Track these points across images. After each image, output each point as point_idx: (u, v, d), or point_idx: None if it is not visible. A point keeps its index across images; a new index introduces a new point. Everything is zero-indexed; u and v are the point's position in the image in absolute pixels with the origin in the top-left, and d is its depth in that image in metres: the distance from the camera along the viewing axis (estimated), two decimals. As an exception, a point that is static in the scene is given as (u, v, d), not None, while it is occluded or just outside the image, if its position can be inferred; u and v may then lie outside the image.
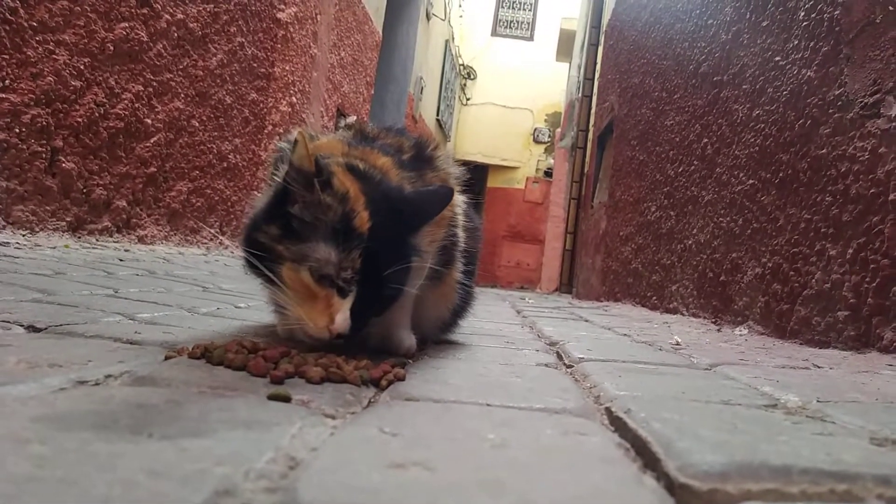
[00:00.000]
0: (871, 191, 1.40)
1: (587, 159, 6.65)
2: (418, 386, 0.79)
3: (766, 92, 2.03)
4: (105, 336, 0.92)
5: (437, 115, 10.30)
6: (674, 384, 0.94)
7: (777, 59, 1.97)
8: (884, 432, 0.64)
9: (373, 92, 6.61)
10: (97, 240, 2.82)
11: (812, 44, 1.75)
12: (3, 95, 2.27)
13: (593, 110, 6.65)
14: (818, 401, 0.88)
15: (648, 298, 3.20)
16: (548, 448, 0.53)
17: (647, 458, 0.52)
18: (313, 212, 0.86)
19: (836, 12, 1.63)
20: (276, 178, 1.12)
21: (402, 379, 0.81)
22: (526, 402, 0.73)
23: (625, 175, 4.20)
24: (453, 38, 10.95)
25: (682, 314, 2.62)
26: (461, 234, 1.17)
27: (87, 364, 0.72)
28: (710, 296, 2.35)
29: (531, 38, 12.85)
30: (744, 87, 2.23)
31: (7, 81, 2.27)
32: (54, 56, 2.44)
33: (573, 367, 1.13)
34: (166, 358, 0.81)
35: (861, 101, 1.48)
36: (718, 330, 2.09)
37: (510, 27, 12.92)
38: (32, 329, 0.94)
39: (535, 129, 12.40)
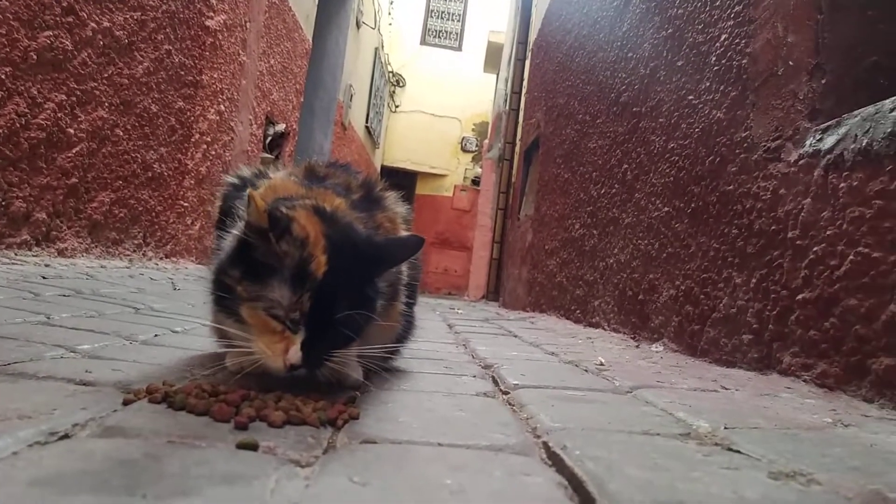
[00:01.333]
0: (773, 227, 1.56)
1: (514, 172, 6.83)
2: (372, 425, 0.85)
3: (680, 127, 2.19)
4: (57, 377, 0.94)
5: (367, 122, 10.31)
6: (601, 414, 1.04)
7: (690, 97, 2.13)
8: (779, 463, 0.75)
9: (302, 100, 6.57)
10: (16, 254, 2.72)
11: (722, 87, 1.91)
12: (-83, 106, 2.17)
13: (520, 124, 6.84)
14: (725, 427, 1.00)
15: (573, 312, 3.35)
16: (499, 492, 0.60)
17: (583, 497, 0.60)
18: (271, 258, 0.91)
19: (744, 61, 1.80)
20: (227, 216, 1.16)
21: (356, 418, 0.87)
22: (473, 440, 0.80)
23: (550, 191, 4.36)
24: (383, 46, 10.98)
25: (604, 329, 2.77)
26: (405, 268, 1.23)
27: (53, 413, 0.74)
28: (629, 313, 2.50)
29: (459, 49, 13.05)
30: (660, 120, 2.39)
31: (-79, 91, 2.17)
32: (-27, 65, 2.35)
33: (509, 393, 1.21)
34: (125, 403, 0.84)
35: (764, 145, 1.64)
36: (637, 346, 2.24)
37: (439, 37, 13.07)
38: (-22, 370, 0.94)
39: (463, 138, 12.59)
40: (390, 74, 12.23)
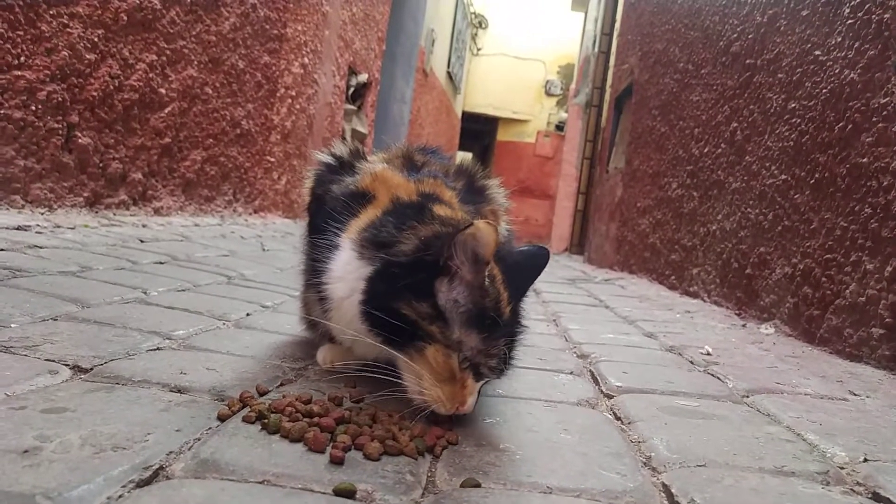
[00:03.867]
0: (917, 211, 1.37)
1: (603, 119, 6.54)
2: (472, 454, 0.79)
3: (803, 85, 1.97)
4: (152, 381, 0.92)
5: (448, 67, 10.09)
6: (721, 436, 0.94)
7: (817, 52, 1.90)
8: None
9: (384, 47, 6.46)
10: (114, 214, 2.81)
11: (857, 44, 1.68)
12: (19, 73, 2.22)
13: (611, 68, 6.50)
14: (865, 459, 0.88)
15: (667, 277, 3.19)
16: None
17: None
18: (469, 294, 0.83)
19: (886, 15, 1.57)
20: (319, 201, 1.09)
21: (455, 443, 0.81)
22: (585, 481, 0.73)
23: (644, 145, 4.13)
24: (465, -14, 10.64)
25: (703, 300, 2.61)
26: None
27: (147, 440, 0.71)
28: (733, 286, 2.34)
29: (545, -15, 12.46)
30: (779, 75, 2.16)
31: (23, 58, 2.22)
32: (68, 29, 2.38)
33: (613, 397, 1.13)
34: (220, 417, 0.81)
35: (910, 115, 1.44)
36: (743, 326, 2.09)
37: (524, -26, 12.51)
38: (78, 369, 0.94)
39: (548, 82, 12.16)
40: (472, 16, 11.87)
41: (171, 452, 0.70)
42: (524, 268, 0.94)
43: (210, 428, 0.78)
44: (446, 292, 0.83)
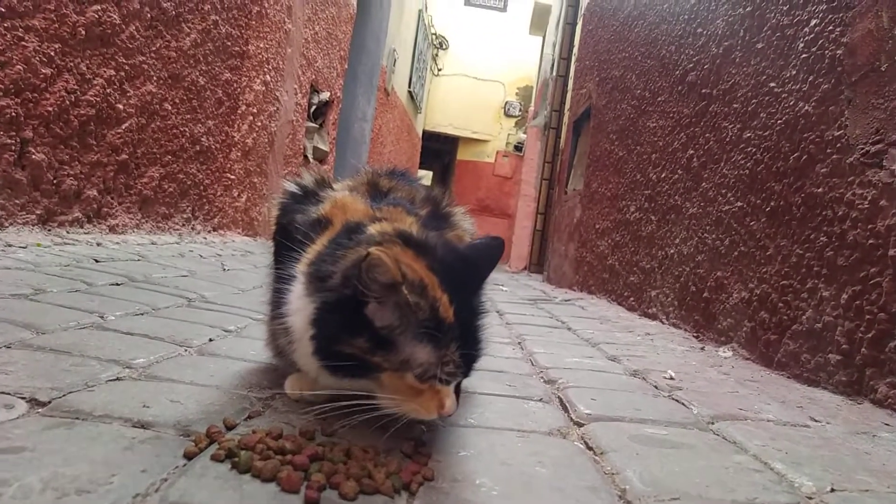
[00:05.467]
0: (870, 241, 1.43)
1: (562, 141, 6.64)
2: (448, 491, 0.78)
3: (758, 116, 2.04)
4: (114, 416, 0.89)
5: (410, 86, 10.13)
6: (692, 467, 0.95)
7: (772, 84, 1.97)
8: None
9: (346, 66, 6.46)
10: (68, 232, 2.72)
11: (811, 78, 1.75)
12: (-31, 87, 2.14)
13: (569, 92, 6.62)
14: (832, 489, 0.90)
15: (626, 298, 3.24)
16: None
17: None
18: (400, 315, 0.82)
19: (839, 52, 1.63)
20: (285, 231, 1.08)
21: (430, 479, 0.80)
22: (563, 518, 0.73)
23: (602, 168, 4.20)
24: (426, 8, 10.73)
25: (662, 322, 2.66)
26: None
27: (112, 481, 0.68)
28: (691, 309, 2.38)
29: (504, 9, 12.68)
30: (734, 105, 2.23)
31: (-27, 72, 2.14)
32: (23, 43, 2.31)
33: (583, 425, 1.14)
34: (186, 455, 0.78)
35: (862, 148, 1.50)
36: (702, 348, 2.13)
37: (484, -3, 12.71)
38: (35, 403, 0.90)
39: (507, 103, 12.31)
40: (433, 36, 11.96)
41: (137, 495, 0.67)
42: (476, 261, 0.94)
43: (177, 467, 0.76)
44: (379, 319, 0.83)
